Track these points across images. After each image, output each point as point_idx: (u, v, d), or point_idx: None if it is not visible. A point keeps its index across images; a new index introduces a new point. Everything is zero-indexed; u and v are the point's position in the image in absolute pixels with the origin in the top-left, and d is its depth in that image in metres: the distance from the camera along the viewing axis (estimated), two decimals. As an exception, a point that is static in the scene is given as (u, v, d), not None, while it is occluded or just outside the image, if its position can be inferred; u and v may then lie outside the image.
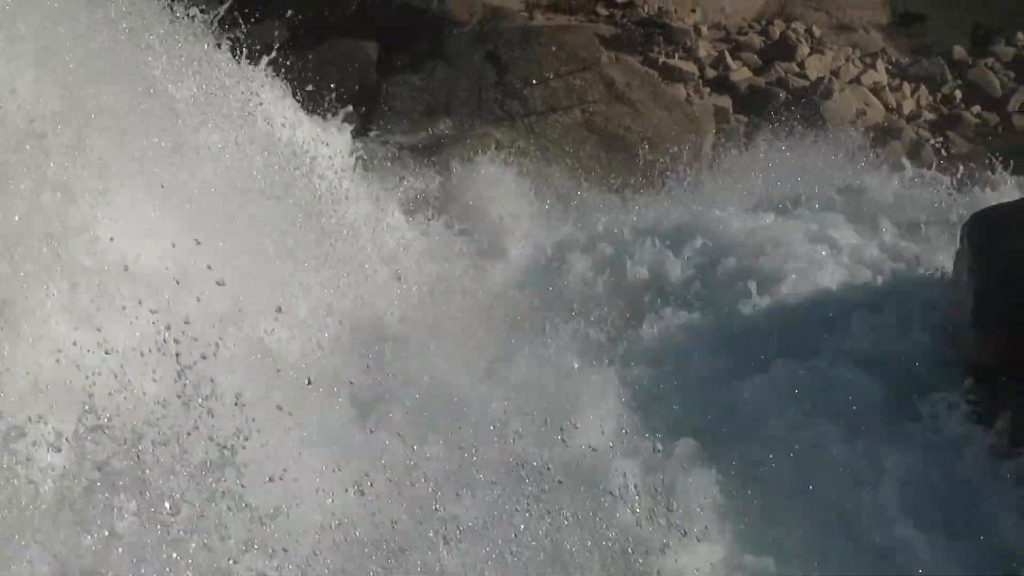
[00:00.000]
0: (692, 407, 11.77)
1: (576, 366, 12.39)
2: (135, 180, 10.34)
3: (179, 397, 8.30)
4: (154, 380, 8.56)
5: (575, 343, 13.18)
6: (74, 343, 8.54)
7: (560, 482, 9.33)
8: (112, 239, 9.36)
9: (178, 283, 9.51)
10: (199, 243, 9.98)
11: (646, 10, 27.38)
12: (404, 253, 14.77)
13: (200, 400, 8.29)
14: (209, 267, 9.71)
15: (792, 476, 10.50)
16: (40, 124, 9.38)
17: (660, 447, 10.61)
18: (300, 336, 11.35)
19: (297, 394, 9.94)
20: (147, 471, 7.83)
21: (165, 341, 8.64)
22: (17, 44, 9.75)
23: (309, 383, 10.12)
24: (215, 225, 11.00)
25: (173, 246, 9.78)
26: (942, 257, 13.84)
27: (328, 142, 15.46)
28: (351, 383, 11.10)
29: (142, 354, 8.64)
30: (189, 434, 8.10)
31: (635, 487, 9.64)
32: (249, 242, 11.48)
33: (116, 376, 8.42)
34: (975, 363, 11.30)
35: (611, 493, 9.54)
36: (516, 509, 8.95)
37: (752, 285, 13.77)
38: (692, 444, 10.86)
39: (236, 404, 8.36)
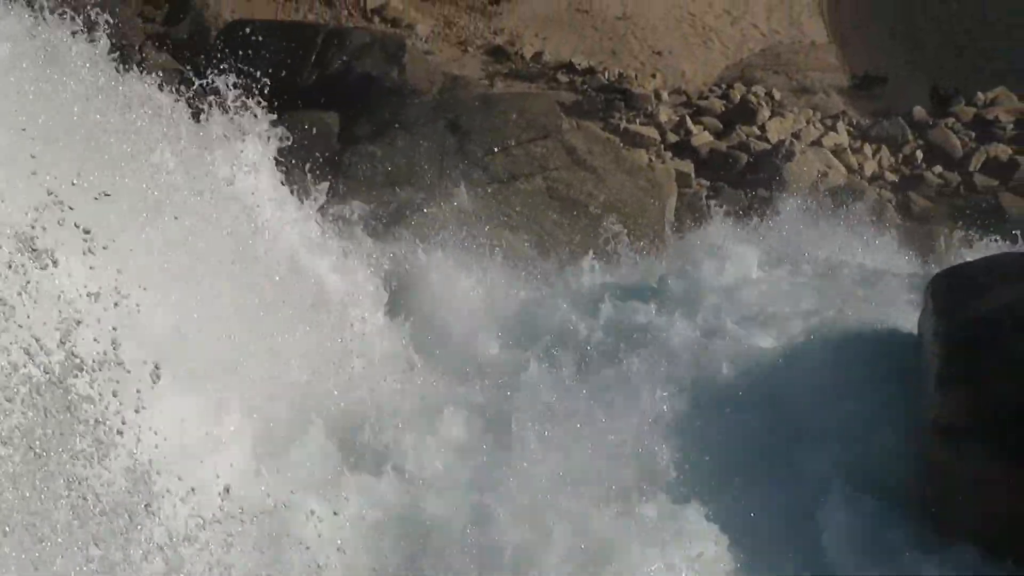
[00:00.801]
0: (650, 464, 11.77)
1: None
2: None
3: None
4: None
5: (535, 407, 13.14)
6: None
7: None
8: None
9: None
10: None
11: (606, 76, 27.47)
12: (365, 327, 14.70)
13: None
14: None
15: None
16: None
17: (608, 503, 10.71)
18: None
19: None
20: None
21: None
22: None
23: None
24: (174, 284, 11.00)
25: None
26: (906, 317, 13.81)
27: (290, 211, 15.40)
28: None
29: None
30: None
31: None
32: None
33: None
34: (940, 422, 11.24)
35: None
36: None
37: (714, 345, 13.74)
38: (648, 500, 10.89)
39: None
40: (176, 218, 11.76)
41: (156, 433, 9.28)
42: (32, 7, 11.92)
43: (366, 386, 13.46)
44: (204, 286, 11.74)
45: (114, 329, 9.17)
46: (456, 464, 12.31)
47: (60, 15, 12.35)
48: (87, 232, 9.40)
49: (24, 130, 10.12)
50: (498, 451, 12.39)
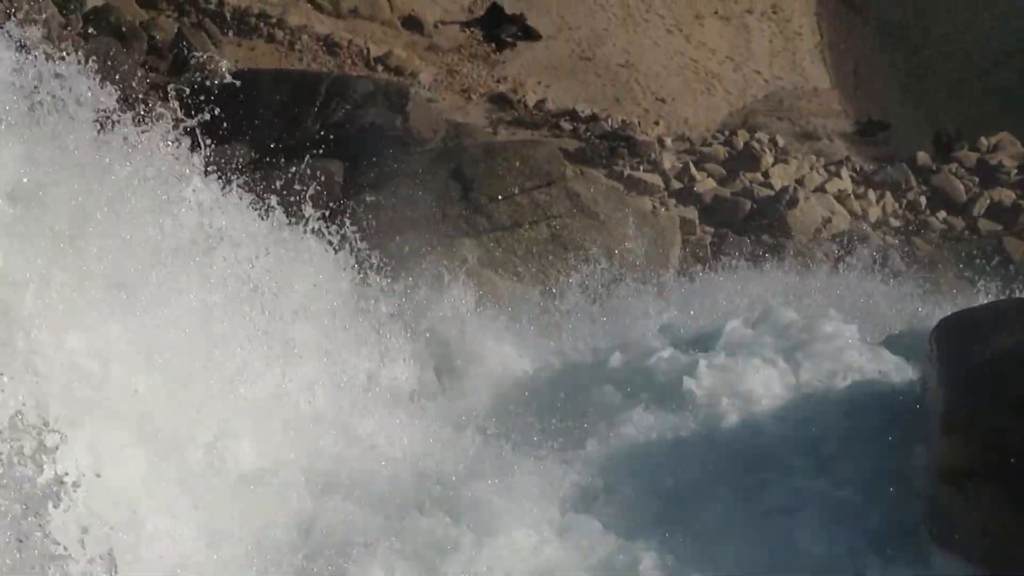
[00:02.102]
0: (648, 519, 11.74)
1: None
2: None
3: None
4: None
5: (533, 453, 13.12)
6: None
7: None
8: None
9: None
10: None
11: (610, 124, 27.55)
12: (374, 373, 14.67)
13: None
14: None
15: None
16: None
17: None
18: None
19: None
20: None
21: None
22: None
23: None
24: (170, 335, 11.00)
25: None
26: (911, 363, 13.79)
27: (296, 261, 15.36)
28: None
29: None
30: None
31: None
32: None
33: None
34: (945, 469, 11.22)
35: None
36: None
37: (719, 396, 13.68)
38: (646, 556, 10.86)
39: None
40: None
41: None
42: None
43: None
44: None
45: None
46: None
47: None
48: None
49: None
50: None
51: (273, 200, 14.83)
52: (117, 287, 10.57)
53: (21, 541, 7.74)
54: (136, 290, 10.83)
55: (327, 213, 16.07)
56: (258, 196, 14.84)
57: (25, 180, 9.99)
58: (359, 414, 13.48)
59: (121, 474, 9.59)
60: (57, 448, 8.13)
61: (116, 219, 11.17)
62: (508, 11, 33.68)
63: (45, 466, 8.05)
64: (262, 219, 14.74)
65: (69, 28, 23.71)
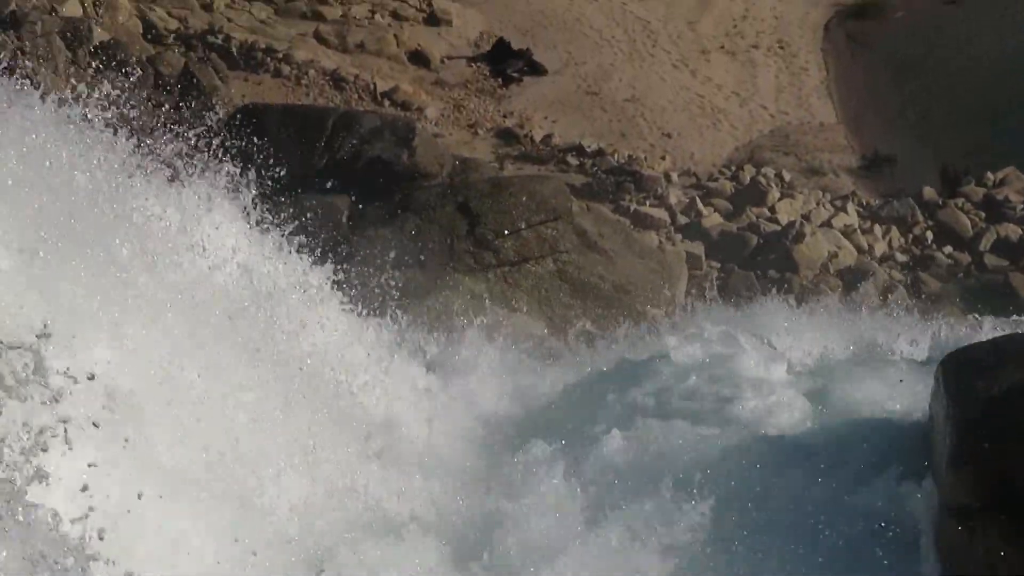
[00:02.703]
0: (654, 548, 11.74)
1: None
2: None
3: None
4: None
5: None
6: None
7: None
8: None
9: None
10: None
11: (616, 158, 27.58)
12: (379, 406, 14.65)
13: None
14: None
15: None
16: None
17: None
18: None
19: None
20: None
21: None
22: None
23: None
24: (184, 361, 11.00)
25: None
26: (918, 397, 13.77)
27: (305, 294, 15.39)
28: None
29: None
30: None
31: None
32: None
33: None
34: (952, 503, 11.20)
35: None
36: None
37: (722, 427, 13.67)
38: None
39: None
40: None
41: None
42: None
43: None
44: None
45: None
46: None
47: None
48: None
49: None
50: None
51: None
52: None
53: None
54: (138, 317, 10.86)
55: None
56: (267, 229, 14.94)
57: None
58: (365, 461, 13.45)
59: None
60: None
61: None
62: (514, 46, 33.80)
63: None
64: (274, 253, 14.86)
65: (76, 63, 23.81)
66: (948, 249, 25.38)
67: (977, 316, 19.23)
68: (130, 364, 10.10)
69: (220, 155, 15.81)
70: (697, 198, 26.26)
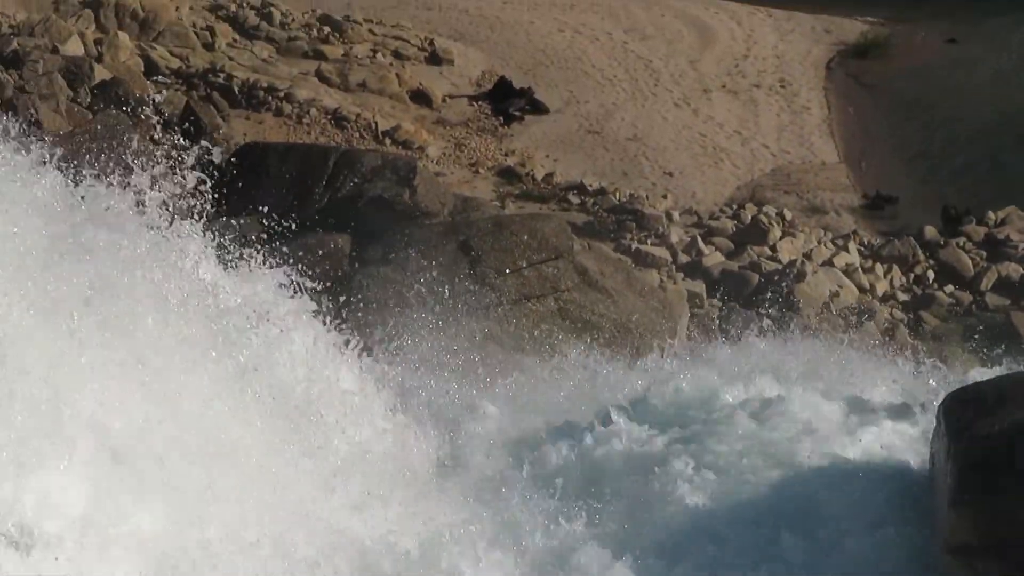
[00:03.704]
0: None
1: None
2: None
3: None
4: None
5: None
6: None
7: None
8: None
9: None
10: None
11: (617, 197, 27.60)
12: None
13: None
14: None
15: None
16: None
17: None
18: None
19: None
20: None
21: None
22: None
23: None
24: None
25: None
26: (919, 437, 13.75)
27: (305, 335, 15.36)
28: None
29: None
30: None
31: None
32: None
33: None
34: (954, 544, 11.18)
35: None
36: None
37: (720, 469, 13.64)
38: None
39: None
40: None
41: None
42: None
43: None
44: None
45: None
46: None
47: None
48: None
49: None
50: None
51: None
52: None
53: None
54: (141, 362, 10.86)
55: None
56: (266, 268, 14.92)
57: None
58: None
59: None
60: None
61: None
62: (516, 85, 33.85)
63: None
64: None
65: (77, 102, 23.88)
66: (949, 288, 25.36)
67: (978, 355, 19.21)
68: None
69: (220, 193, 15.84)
70: (699, 237, 26.25)
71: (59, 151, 12.64)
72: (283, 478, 12.11)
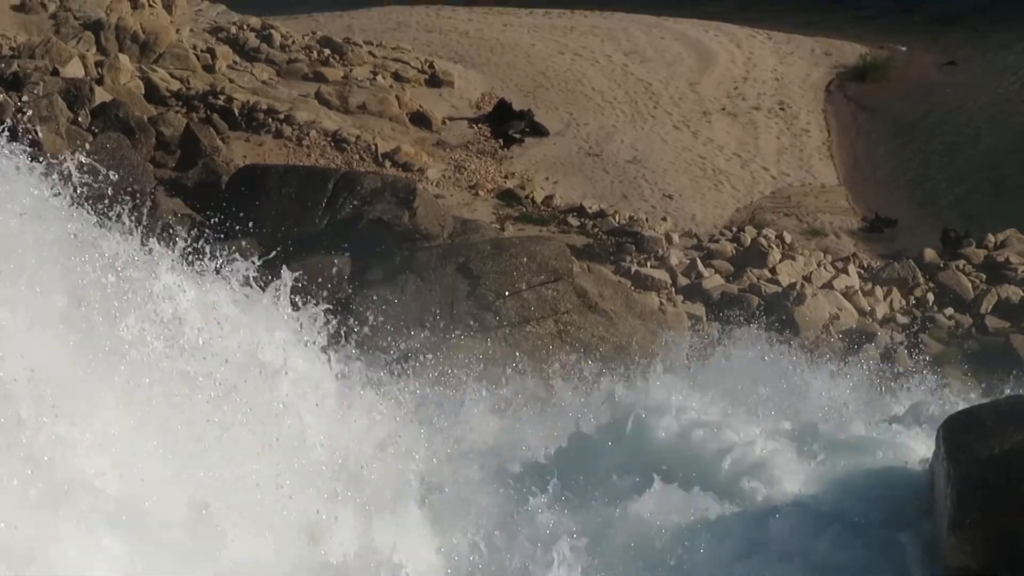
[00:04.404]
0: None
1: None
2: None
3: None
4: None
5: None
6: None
7: None
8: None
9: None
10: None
11: (617, 219, 27.61)
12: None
13: None
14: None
15: None
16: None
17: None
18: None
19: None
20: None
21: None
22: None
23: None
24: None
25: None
26: (919, 460, 13.72)
27: (302, 358, 15.30)
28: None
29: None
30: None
31: None
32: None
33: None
34: (953, 567, 11.15)
35: None
36: None
37: (722, 491, 13.61)
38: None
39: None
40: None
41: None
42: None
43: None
44: None
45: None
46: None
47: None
48: None
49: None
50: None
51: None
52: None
53: None
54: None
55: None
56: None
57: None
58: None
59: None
60: None
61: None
62: (516, 107, 33.93)
63: None
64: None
65: (78, 123, 23.89)
66: (949, 311, 25.36)
67: (978, 378, 19.19)
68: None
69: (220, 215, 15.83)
70: (698, 259, 26.27)
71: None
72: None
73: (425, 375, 17.49)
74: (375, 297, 19.05)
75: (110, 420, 10.42)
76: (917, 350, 23.34)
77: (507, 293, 19.58)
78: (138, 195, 14.12)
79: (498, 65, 37.88)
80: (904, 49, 40.66)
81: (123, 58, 30.85)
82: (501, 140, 32.61)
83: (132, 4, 35.59)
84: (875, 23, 42.28)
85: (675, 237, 27.50)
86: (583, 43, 40.13)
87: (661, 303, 24.21)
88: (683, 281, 25.53)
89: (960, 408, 14.04)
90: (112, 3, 35.12)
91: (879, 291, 25.81)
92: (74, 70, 28.62)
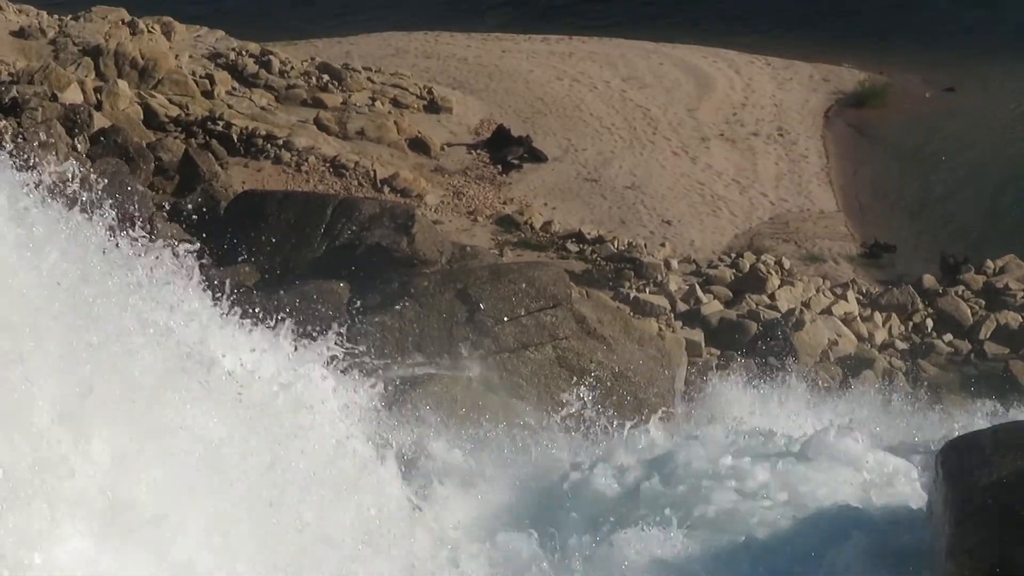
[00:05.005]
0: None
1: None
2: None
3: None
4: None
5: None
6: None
7: None
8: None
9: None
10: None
11: (616, 245, 27.62)
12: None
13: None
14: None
15: None
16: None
17: None
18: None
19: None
20: None
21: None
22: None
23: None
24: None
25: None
26: (917, 486, 13.71)
27: (303, 384, 15.29)
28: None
29: None
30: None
31: None
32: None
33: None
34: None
35: None
36: None
37: (719, 519, 13.60)
38: None
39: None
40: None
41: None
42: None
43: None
44: None
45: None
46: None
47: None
48: None
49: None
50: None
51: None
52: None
53: None
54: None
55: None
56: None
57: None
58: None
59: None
60: None
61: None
62: (514, 133, 33.97)
63: None
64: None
65: (77, 149, 23.89)
66: (948, 337, 25.37)
67: (976, 404, 19.18)
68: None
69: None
70: (697, 285, 26.28)
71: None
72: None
73: (423, 400, 17.47)
74: (373, 322, 19.02)
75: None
76: (916, 375, 23.33)
77: (506, 319, 19.51)
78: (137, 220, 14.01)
79: (497, 91, 37.92)
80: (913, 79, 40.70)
81: (122, 84, 30.90)
82: (500, 166, 32.65)
83: (131, 30, 35.68)
84: (874, 49, 42.29)
85: (674, 263, 27.51)
86: (581, 69, 40.17)
87: (660, 329, 24.20)
88: (682, 307, 25.54)
89: (958, 434, 14.03)
90: (111, 29, 35.23)
91: (878, 317, 25.81)
92: (73, 96, 28.66)
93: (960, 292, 26.69)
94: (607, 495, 15.05)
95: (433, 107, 35.65)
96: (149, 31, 36.07)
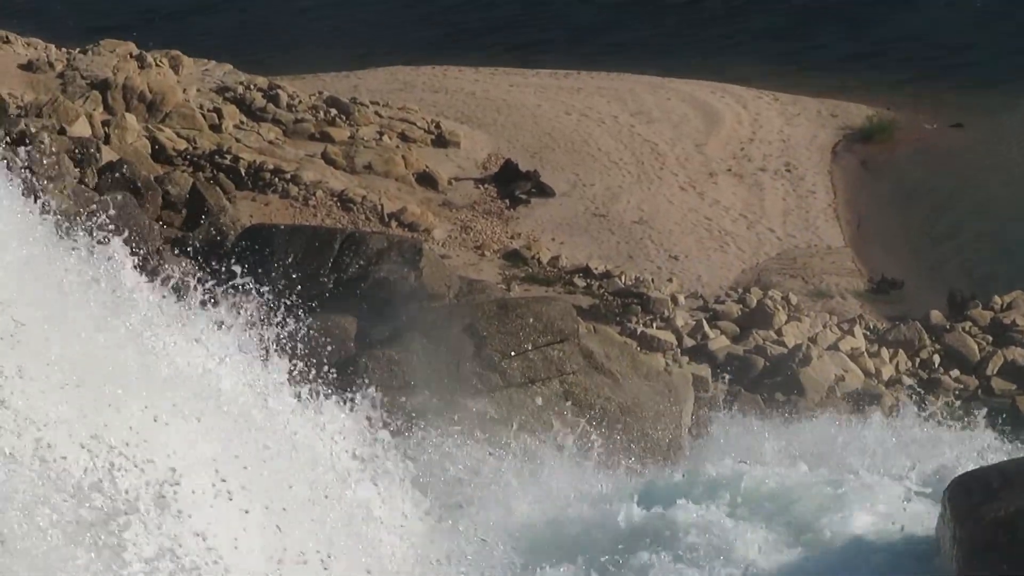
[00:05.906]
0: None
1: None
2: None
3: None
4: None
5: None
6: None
7: None
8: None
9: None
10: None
11: (623, 280, 27.64)
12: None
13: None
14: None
15: None
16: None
17: None
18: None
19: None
20: None
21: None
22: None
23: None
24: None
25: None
26: (925, 520, 13.67)
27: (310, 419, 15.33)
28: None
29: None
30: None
31: None
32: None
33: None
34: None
35: None
36: None
37: (727, 553, 13.57)
38: None
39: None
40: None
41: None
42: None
43: None
44: None
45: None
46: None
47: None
48: None
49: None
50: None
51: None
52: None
53: None
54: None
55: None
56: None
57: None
58: None
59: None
60: None
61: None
62: (522, 168, 34.02)
63: None
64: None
65: (85, 183, 23.92)
66: (955, 373, 25.35)
67: (983, 440, 19.14)
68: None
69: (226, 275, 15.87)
70: (704, 320, 26.27)
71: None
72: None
73: (430, 436, 17.47)
74: (380, 357, 19.01)
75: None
76: (923, 412, 23.28)
77: (513, 354, 19.50)
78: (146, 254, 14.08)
79: (504, 126, 38.00)
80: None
81: (130, 117, 31.00)
82: (507, 200, 32.72)
83: (139, 64, 35.77)
84: (881, 84, 42.33)
85: (681, 298, 27.52)
86: (589, 104, 40.25)
87: (667, 364, 24.19)
88: (689, 342, 25.53)
89: (965, 470, 14.00)
90: (119, 63, 35.33)
91: (885, 353, 25.80)
92: (81, 129, 28.74)
93: (967, 328, 26.66)
94: (613, 530, 15.02)
95: (441, 141, 35.73)
96: (157, 65, 36.14)
